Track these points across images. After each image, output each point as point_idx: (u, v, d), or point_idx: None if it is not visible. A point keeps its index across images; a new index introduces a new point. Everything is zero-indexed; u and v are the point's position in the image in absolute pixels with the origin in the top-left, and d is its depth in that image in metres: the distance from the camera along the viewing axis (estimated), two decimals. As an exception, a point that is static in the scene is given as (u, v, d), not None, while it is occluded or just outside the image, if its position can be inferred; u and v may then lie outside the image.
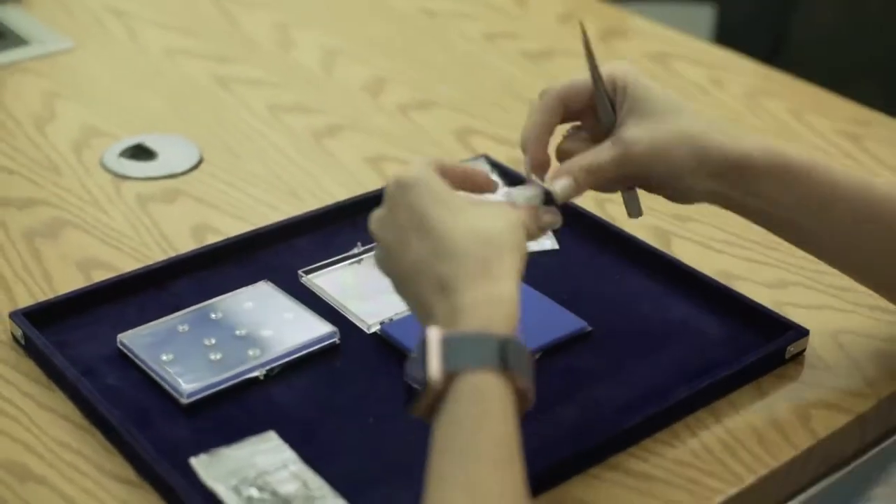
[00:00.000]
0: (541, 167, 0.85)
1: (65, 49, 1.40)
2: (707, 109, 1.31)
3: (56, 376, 0.88)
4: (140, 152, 1.19)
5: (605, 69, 0.84)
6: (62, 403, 0.87)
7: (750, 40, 1.96)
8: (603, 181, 0.83)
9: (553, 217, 0.82)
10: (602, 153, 0.82)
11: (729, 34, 2.09)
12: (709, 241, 1.07)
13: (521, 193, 0.82)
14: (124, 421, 0.82)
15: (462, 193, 0.76)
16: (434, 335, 0.68)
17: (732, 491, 0.81)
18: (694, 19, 2.14)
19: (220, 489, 0.78)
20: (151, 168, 1.16)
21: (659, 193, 0.86)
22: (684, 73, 1.41)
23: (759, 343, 0.92)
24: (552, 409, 0.86)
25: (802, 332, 0.93)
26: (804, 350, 0.93)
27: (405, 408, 0.71)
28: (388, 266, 0.76)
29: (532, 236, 0.80)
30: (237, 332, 0.91)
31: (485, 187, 0.81)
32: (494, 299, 0.70)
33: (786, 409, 0.89)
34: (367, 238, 1.02)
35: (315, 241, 1.05)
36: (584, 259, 1.03)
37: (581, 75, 0.84)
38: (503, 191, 0.82)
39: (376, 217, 0.76)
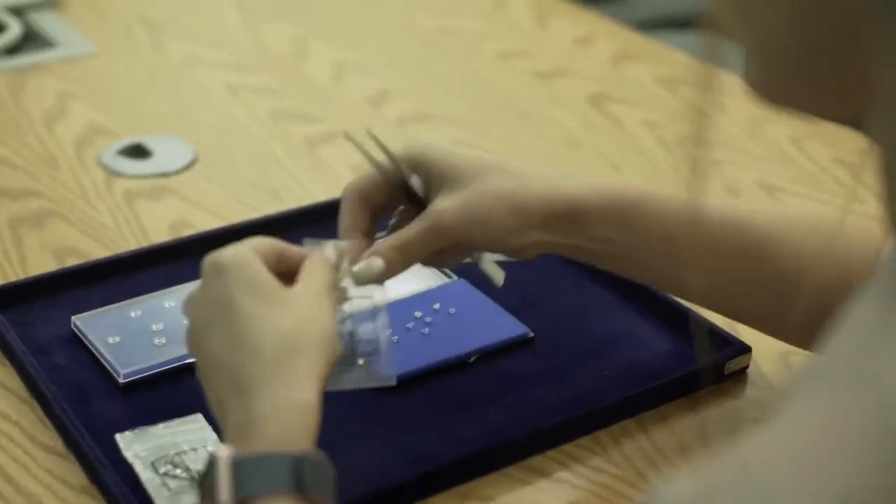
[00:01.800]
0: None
1: (88, 53, 1.46)
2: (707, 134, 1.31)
3: (8, 353, 0.92)
4: (137, 151, 1.23)
5: (401, 153, 0.81)
6: (11, 379, 0.91)
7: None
8: (417, 256, 0.80)
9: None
10: (410, 229, 0.79)
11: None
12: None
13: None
14: (58, 395, 0.86)
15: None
16: (224, 456, 0.64)
17: (643, 500, 0.82)
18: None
19: (138, 464, 0.80)
20: (145, 166, 1.20)
21: (498, 252, 0.82)
22: (689, 96, 1.41)
23: (698, 357, 0.93)
24: (477, 410, 0.88)
25: (744, 349, 0.93)
26: (746, 367, 0.93)
27: None
28: (194, 350, 0.73)
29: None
30: (186, 321, 0.94)
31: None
32: (291, 407, 0.66)
33: (717, 424, 0.89)
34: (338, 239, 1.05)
35: (288, 239, 1.07)
36: (538, 267, 1.04)
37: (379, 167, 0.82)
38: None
39: (189, 296, 0.74)
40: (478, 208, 0.78)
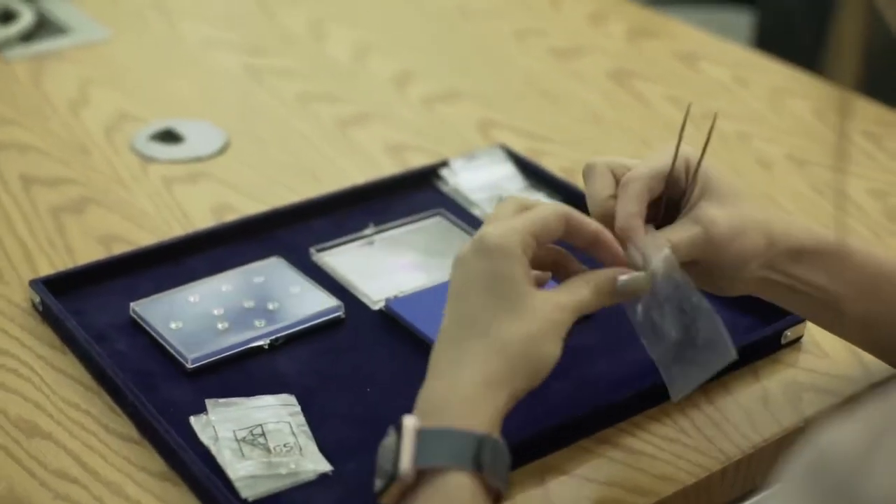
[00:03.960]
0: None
1: (103, 38, 1.45)
2: (731, 108, 1.33)
3: (69, 341, 0.92)
4: (168, 136, 1.22)
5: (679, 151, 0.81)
6: (73, 367, 0.90)
7: (790, 45, 1.97)
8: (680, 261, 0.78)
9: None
10: (678, 231, 0.78)
11: (769, 39, 2.09)
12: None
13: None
14: (129, 382, 0.85)
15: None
16: (410, 425, 0.67)
17: (717, 467, 0.83)
18: (730, 24, 2.15)
19: (219, 437, 0.80)
20: (178, 151, 1.20)
21: (707, 284, 0.81)
22: (709, 72, 1.42)
23: (756, 327, 0.94)
24: (546, 384, 0.88)
25: (799, 318, 0.94)
26: (801, 337, 0.94)
27: (375, 495, 0.69)
28: (451, 303, 0.73)
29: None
30: (245, 304, 0.94)
31: (612, 257, 0.76)
32: (488, 396, 0.69)
33: (778, 391, 0.90)
34: (378, 220, 1.06)
35: (329, 221, 1.08)
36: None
37: (650, 156, 0.81)
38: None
39: (457, 257, 0.74)
40: (743, 226, 0.77)
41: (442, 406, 0.68)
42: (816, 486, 0.46)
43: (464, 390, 0.68)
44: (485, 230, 0.72)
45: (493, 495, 0.67)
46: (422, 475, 0.66)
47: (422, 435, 0.66)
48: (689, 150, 0.80)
